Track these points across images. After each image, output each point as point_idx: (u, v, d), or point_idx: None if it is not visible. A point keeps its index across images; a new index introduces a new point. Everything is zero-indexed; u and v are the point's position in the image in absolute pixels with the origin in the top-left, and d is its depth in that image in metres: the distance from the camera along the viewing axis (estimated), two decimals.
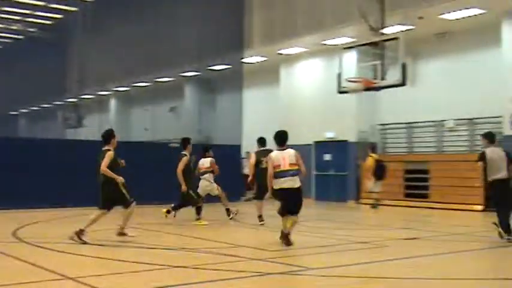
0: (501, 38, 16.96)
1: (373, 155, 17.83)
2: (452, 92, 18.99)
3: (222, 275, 7.24)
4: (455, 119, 18.80)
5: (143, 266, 7.71)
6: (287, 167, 9.52)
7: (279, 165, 9.53)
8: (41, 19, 33.57)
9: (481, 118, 18.06)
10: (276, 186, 9.55)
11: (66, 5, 28.51)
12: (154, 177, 19.18)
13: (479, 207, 17.11)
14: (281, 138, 9.97)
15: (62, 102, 37.88)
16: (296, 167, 9.60)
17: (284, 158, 9.59)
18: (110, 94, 34.69)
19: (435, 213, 15.83)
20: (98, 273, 7.13)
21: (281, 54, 22.62)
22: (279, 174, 9.50)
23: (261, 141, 13.20)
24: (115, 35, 29.22)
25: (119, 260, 8.09)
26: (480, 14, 16.70)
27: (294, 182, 9.50)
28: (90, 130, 27.08)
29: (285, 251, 9.26)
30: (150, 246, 9.51)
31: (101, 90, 33.65)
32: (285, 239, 9.53)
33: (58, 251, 8.95)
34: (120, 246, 9.67)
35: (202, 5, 23.39)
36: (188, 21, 24.16)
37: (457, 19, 17.20)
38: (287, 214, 9.57)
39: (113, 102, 35.66)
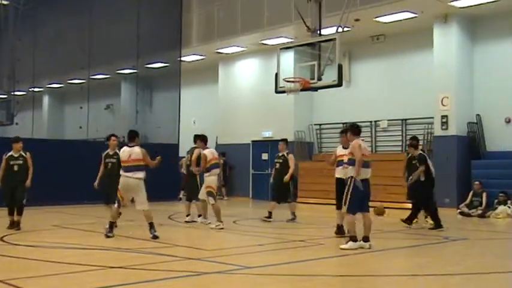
0: (433, 40, 17.54)
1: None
2: (386, 93, 19.50)
3: (160, 275, 7.17)
4: (388, 120, 19.29)
5: (78, 267, 7.54)
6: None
7: None
8: None
9: (414, 119, 18.62)
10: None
11: None
12: (88, 177, 18.73)
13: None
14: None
15: None
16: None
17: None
18: (43, 91, 33.67)
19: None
20: (29, 275, 6.92)
21: (220, 53, 22.61)
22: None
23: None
24: (49, 30, 28.37)
25: (52, 262, 7.86)
26: (413, 17, 17.22)
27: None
28: (21, 128, 26.15)
29: (222, 251, 9.27)
30: (84, 247, 9.30)
31: (34, 87, 32.60)
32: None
33: None
34: (52, 247, 9.41)
35: (140, 1, 23.05)
36: (126, 18, 23.74)
37: (392, 22, 17.69)
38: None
39: (46, 99, 34.63)
